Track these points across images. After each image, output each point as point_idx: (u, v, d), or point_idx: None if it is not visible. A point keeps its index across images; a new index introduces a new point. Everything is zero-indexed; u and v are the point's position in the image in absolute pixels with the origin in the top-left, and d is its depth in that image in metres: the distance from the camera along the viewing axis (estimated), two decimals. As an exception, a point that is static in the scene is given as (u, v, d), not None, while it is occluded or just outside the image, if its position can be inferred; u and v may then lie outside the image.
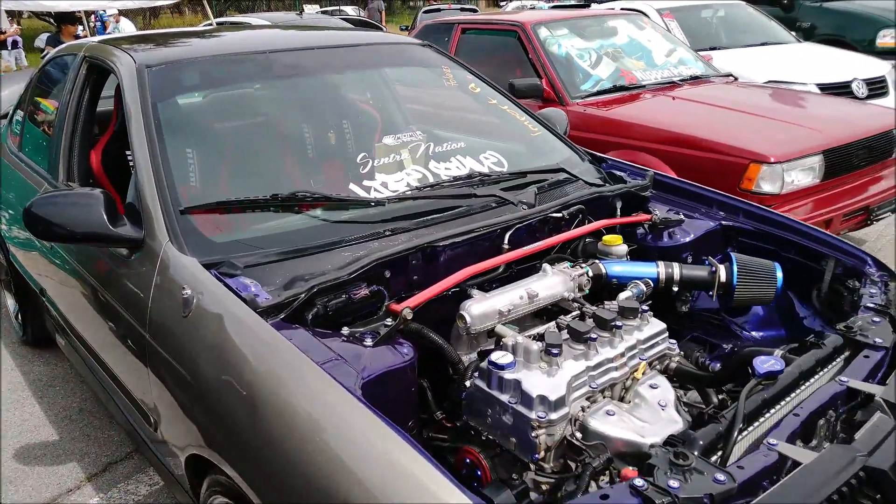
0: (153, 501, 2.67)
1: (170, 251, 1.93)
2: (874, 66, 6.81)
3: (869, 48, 8.44)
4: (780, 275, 2.17)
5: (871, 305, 1.98)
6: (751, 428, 1.60)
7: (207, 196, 2.14)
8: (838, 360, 1.84)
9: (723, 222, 2.50)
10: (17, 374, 3.61)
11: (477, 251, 2.12)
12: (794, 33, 8.04)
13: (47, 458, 2.93)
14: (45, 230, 2.02)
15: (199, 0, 9.00)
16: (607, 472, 1.57)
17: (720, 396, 1.98)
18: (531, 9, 20.98)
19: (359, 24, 11.54)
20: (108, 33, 12.50)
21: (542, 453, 1.58)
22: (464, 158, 2.49)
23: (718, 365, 2.09)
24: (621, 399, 1.77)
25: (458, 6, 18.83)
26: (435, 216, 2.18)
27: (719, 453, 1.51)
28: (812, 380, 1.76)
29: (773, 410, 1.65)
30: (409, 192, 2.26)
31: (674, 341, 1.95)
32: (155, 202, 2.04)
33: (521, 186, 2.42)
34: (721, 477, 1.32)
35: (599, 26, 5.44)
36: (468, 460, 1.72)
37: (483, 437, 1.71)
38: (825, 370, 1.80)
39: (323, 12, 18.72)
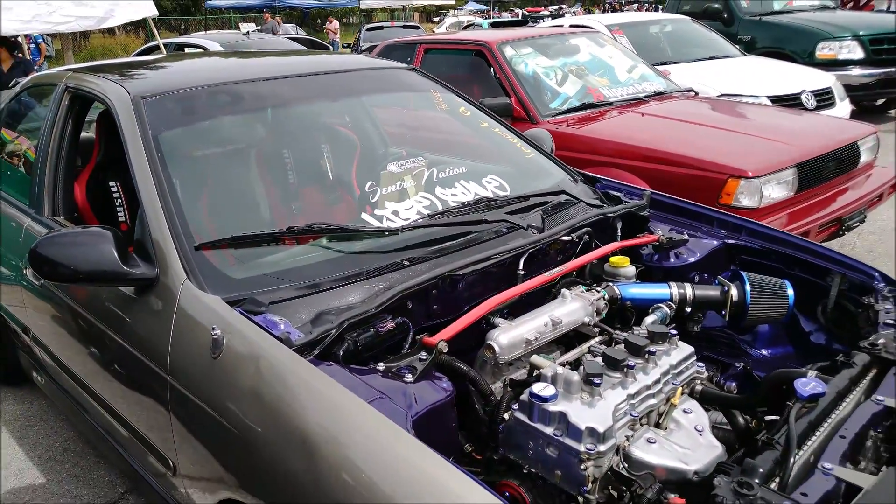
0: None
1: (189, 289, 1.86)
2: (820, 78, 7.06)
3: (808, 60, 8.74)
4: (791, 292, 2.18)
5: (892, 322, 2.01)
6: (801, 452, 1.60)
7: (218, 230, 2.07)
8: (867, 378, 1.87)
9: (726, 241, 2.53)
10: (-9, 413, 3.46)
11: (492, 278, 2.11)
12: (738, 46, 8.27)
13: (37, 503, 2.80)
14: (52, 271, 1.92)
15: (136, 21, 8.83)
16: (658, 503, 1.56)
17: (746, 418, 1.98)
18: (468, 26, 21.27)
19: (310, 44, 11.45)
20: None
21: (590, 485, 1.57)
22: (467, 183, 2.48)
23: (734, 384, 2.10)
24: (657, 426, 1.77)
25: (401, 24, 18.92)
26: (449, 244, 2.16)
27: (777, 480, 1.51)
28: (847, 400, 1.78)
29: (818, 433, 1.67)
30: (422, 220, 2.24)
31: (702, 364, 1.96)
32: (167, 239, 1.97)
33: (525, 210, 2.42)
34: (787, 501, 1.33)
35: (562, 44, 5.51)
36: (508, 494, 1.69)
37: (524, 471, 1.69)
38: (856, 389, 1.82)
39: (260, 30, 18.61)
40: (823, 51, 9.09)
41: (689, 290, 2.22)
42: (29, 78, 3.36)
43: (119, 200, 2.96)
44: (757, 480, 1.42)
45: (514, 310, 2.05)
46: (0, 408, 3.50)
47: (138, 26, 27.27)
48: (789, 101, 6.46)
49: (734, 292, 2.19)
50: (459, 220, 2.26)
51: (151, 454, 2.10)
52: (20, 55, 8.32)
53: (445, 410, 1.61)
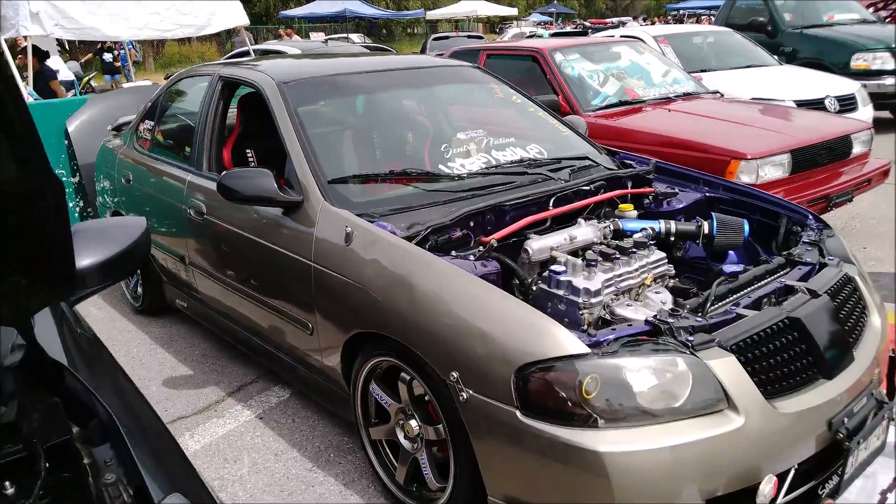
0: (281, 408, 3.53)
1: (326, 207, 2.81)
2: (845, 85, 7.72)
3: (844, 70, 9.36)
4: (747, 228, 3.02)
5: (807, 240, 2.86)
6: (720, 303, 2.45)
7: (341, 171, 3.02)
8: (780, 273, 2.70)
9: (707, 194, 3.38)
10: (141, 334, 4.49)
11: (529, 211, 2.99)
12: (776, 57, 8.95)
13: (189, 385, 3.80)
14: (231, 195, 2.88)
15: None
16: None
17: None
18: (530, 36, 22.23)
19: (376, 49, 12.55)
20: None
21: (586, 326, 2.45)
22: (515, 149, 3.38)
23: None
24: (636, 298, 2.64)
25: (465, 34, 19.98)
26: (499, 187, 3.06)
27: (700, 313, 2.36)
28: (762, 282, 2.62)
29: (735, 296, 2.51)
30: (480, 171, 3.15)
31: (671, 265, 2.82)
32: (308, 176, 2.92)
33: (557, 169, 3.31)
34: (699, 318, 2.21)
35: (605, 52, 6.39)
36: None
37: None
38: (771, 278, 2.65)
39: (328, 40, 19.85)
40: (858, 61, 9.68)
41: (672, 225, 3.06)
42: (183, 71, 4.38)
43: (253, 163, 3.93)
44: (685, 310, 2.29)
45: (546, 233, 2.93)
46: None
47: (212, 36, 28.99)
48: (814, 105, 7.14)
49: (705, 226, 3.03)
50: (507, 171, 3.17)
51: (295, 324, 3.02)
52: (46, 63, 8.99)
53: (492, 278, 2.51)
